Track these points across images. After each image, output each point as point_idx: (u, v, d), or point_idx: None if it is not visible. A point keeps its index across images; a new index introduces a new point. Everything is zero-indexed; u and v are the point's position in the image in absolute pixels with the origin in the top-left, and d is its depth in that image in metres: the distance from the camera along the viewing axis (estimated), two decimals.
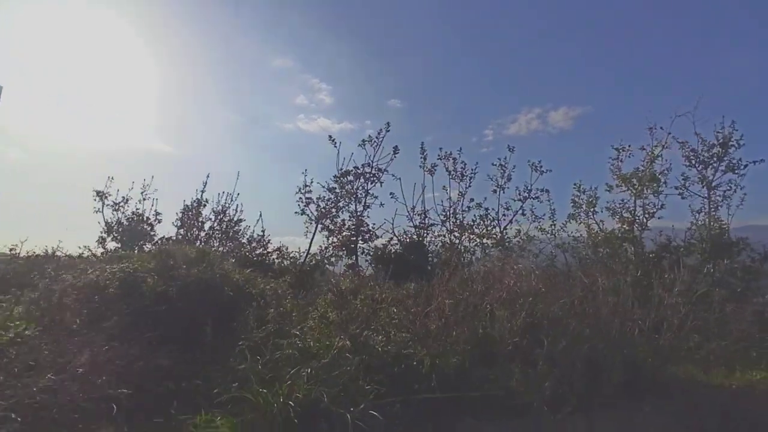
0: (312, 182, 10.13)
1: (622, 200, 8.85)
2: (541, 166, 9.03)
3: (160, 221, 11.01)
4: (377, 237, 9.37)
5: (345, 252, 9.44)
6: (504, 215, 9.26)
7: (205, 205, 11.57)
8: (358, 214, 9.66)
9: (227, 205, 11.59)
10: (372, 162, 9.61)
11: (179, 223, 11.11)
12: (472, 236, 9.23)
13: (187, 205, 11.43)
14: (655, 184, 8.20)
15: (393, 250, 8.86)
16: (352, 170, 9.72)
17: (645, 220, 8.14)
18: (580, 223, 9.03)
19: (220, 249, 11.00)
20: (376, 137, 9.36)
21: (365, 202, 9.64)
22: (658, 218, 8.11)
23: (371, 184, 9.64)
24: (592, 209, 8.73)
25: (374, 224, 9.53)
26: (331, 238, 9.89)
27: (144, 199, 11.01)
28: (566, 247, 7.89)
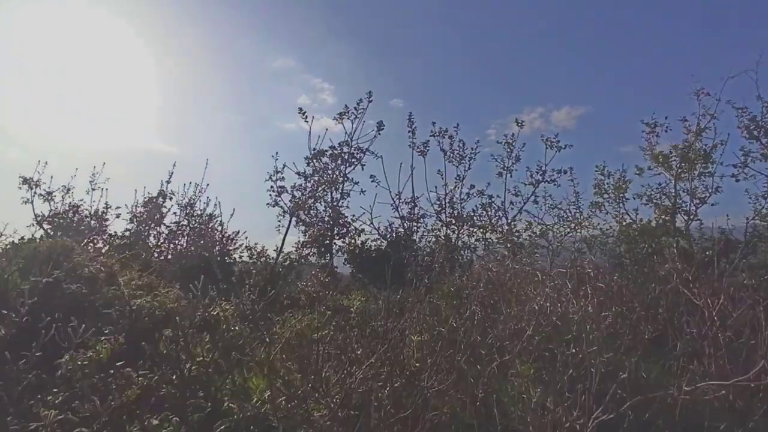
0: (284, 167, 8.46)
1: (659, 184, 7.11)
2: (557, 141, 7.28)
3: (119, 216, 9.40)
4: (358, 232, 7.68)
5: (316, 250, 7.75)
6: (512, 204, 7.54)
7: (171, 198, 10.00)
8: (335, 203, 7.98)
9: (194, 198, 10.02)
10: (351, 140, 7.91)
11: (130, 217, 9.50)
12: (472, 230, 7.52)
13: (147, 198, 9.85)
14: (704, 164, 6.43)
15: (374, 247, 7.17)
16: (327, 150, 8.03)
17: (694, 208, 6.36)
18: (606, 213, 7.29)
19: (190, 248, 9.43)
20: (355, 109, 7.64)
21: (342, 189, 7.95)
22: (711, 205, 6.34)
23: (350, 166, 7.96)
24: (622, 195, 6.98)
25: (354, 216, 7.85)
26: (308, 233, 8.21)
27: (93, 190, 9.38)
28: (595, 242, 6.15)
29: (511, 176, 7.77)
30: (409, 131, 7.72)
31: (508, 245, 6.95)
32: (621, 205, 6.92)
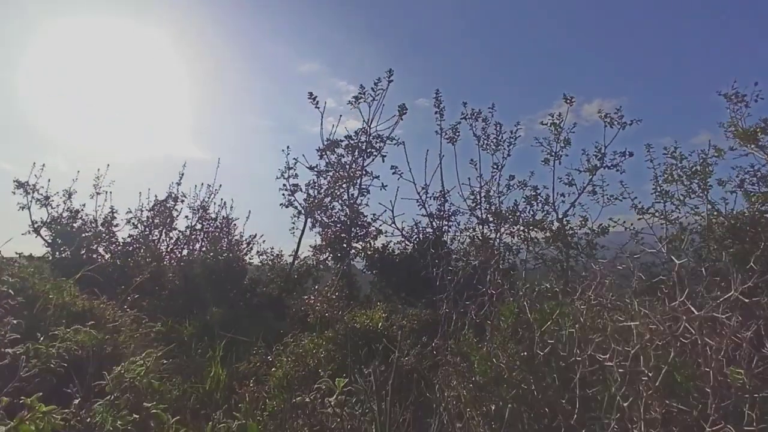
0: (296, 163, 7.52)
1: (752, 166, 5.68)
2: (620, 117, 5.92)
3: (129, 221, 8.75)
4: (378, 233, 6.60)
5: (332, 255, 6.73)
6: (563, 197, 6.24)
7: (182, 201, 9.32)
8: (352, 200, 6.94)
9: (207, 200, 9.30)
10: (369, 127, 6.85)
11: (135, 222, 8.81)
12: (515, 228, 6.29)
13: (157, 202, 9.19)
14: None
15: (397, 251, 6.07)
16: (342, 140, 7.01)
17: None
18: (678, 205, 5.89)
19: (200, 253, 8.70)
20: (373, 90, 6.57)
21: (360, 184, 6.90)
22: None
23: (368, 158, 6.90)
24: (705, 182, 5.59)
25: (374, 215, 6.78)
26: (323, 236, 7.21)
27: (97, 194, 8.75)
28: (684, 239, 4.76)
29: (559, 163, 6.50)
30: (436, 112, 6.58)
31: (561, 246, 5.71)
32: (705, 194, 5.53)
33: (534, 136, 6.85)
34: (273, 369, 3.53)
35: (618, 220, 5.99)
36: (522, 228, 6.13)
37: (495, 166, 6.55)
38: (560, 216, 6.08)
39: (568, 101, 6.57)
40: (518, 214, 6.25)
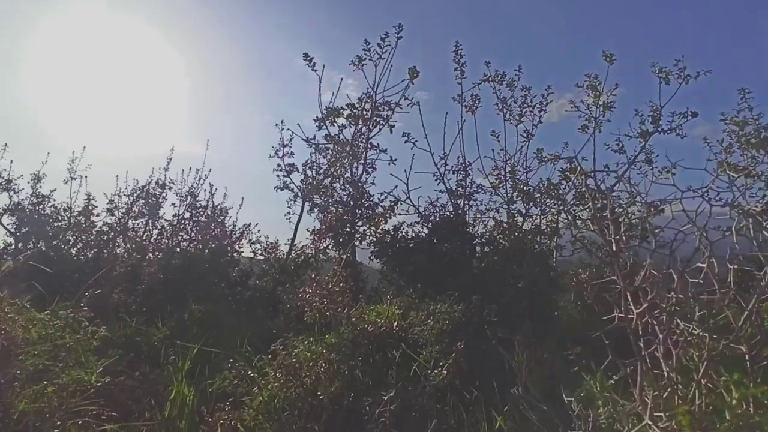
0: (292, 138, 6.55)
1: None
2: (683, 69, 4.89)
3: (110, 211, 7.79)
4: (390, 210, 5.61)
5: (333, 241, 5.78)
6: (606, 169, 5.27)
7: (170, 188, 8.37)
8: (356, 178, 5.97)
9: (196, 186, 8.34)
10: (375, 92, 5.86)
11: (112, 209, 7.86)
12: (547, 205, 5.34)
13: (136, 187, 8.24)
14: None
15: (411, 234, 5.10)
16: (344, 109, 6.02)
17: None
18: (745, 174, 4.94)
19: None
20: (379, 46, 5.55)
21: (365, 159, 5.91)
22: None
23: (374, 127, 5.91)
24: None
25: (382, 194, 5.80)
26: (323, 220, 6.25)
27: (72, 179, 7.76)
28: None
29: (599, 131, 5.52)
30: (455, 68, 5.54)
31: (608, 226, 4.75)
32: None
33: (565, 110, 5.86)
34: (256, 389, 2.59)
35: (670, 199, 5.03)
36: (559, 206, 5.17)
37: (525, 134, 5.57)
38: (603, 192, 5.09)
39: (608, 59, 5.57)
40: (551, 191, 5.28)
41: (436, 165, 5.29)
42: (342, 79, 6.02)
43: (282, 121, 6.49)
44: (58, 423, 1.95)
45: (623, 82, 5.68)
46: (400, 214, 5.24)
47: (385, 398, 2.17)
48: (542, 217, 5.45)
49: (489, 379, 2.79)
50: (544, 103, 5.77)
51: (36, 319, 2.44)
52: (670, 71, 4.93)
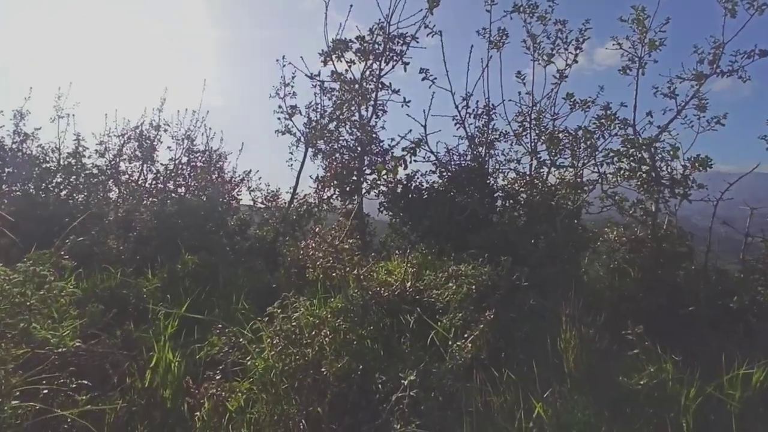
0: (294, 76, 5.87)
1: None
2: None
3: (101, 153, 7.31)
4: (409, 160, 5.05)
5: (339, 190, 5.29)
6: (649, 117, 4.64)
7: (165, 130, 7.84)
8: (365, 121, 5.38)
9: (192, 129, 7.79)
10: (389, 24, 5.13)
11: (102, 151, 7.37)
12: (580, 158, 4.79)
13: (127, 128, 7.71)
14: None
15: (426, 184, 4.60)
16: (353, 42, 5.31)
17: None
18: None
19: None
20: None
21: (376, 100, 5.30)
22: None
23: (386, 64, 5.24)
24: None
25: (393, 139, 5.23)
26: (328, 167, 5.73)
27: (59, 117, 7.18)
28: None
29: (643, 74, 4.84)
30: None
31: (648, 182, 4.22)
32: None
33: (605, 48, 5.13)
34: (250, 358, 2.22)
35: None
36: (592, 157, 4.61)
37: (556, 75, 4.91)
38: (645, 142, 4.51)
39: None
40: (586, 139, 4.70)
41: (456, 107, 4.67)
42: (351, 6, 5.27)
43: (283, 57, 5.81)
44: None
45: (675, 17, 4.93)
46: (415, 161, 4.71)
47: (405, 383, 1.78)
48: (575, 168, 4.89)
49: (518, 354, 2.40)
50: (581, 39, 5.06)
51: None
52: (737, 1, 4.19)
